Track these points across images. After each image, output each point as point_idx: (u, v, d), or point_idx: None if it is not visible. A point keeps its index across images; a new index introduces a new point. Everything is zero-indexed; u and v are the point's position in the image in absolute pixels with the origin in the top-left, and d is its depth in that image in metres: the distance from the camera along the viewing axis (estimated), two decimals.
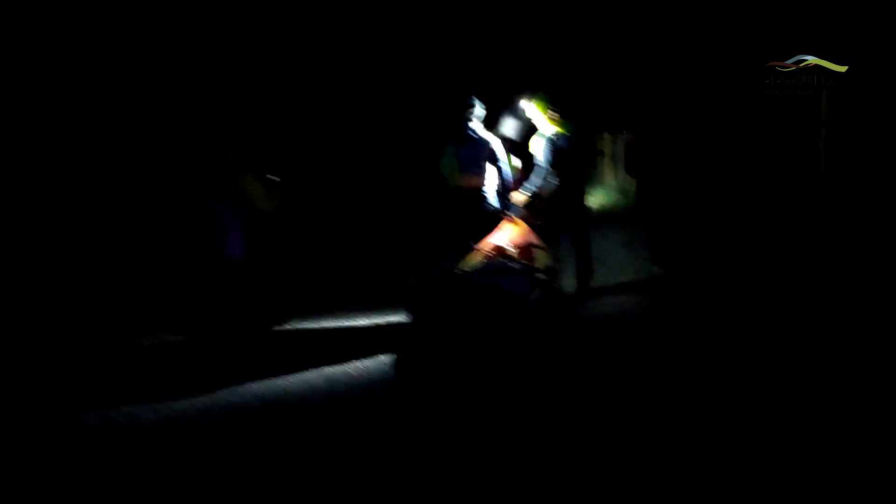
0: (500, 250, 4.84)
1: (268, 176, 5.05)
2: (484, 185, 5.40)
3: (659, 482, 2.85)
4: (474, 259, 4.78)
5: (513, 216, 5.50)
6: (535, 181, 5.52)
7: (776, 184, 6.71)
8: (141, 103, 8.06)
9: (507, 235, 5.18)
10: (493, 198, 5.49)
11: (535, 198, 5.66)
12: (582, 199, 5.77)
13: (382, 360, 4.38)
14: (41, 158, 7.15)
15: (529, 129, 5.93)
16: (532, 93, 5.71)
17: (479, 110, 5.37)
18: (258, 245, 5.07)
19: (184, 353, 4.90)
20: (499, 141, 5.47)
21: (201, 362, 4.68)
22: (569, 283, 5.75)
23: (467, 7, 10.71)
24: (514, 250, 4.86)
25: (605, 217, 9.41)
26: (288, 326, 5.40)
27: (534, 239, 5.20)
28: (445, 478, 2.94)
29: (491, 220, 5.44)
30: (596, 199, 6.13)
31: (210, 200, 4.88)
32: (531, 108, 5.64)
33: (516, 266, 4.51)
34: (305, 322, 5.52)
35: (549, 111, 5.55)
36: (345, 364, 4.45)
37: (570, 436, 3.29)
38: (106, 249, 6.81)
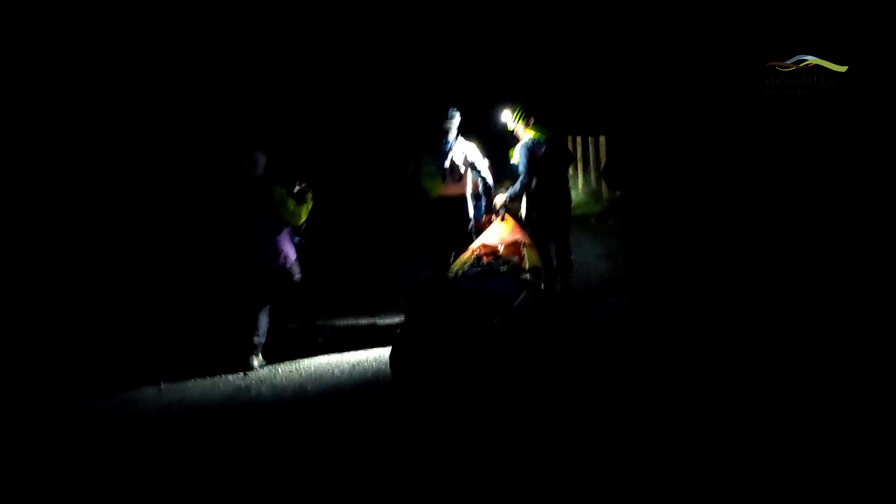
0: (489, 248, 4.84)
1: (296, 188, 5.09)
2: (465, 192, 5.40)
3: (652, 480, 2.86)
4: (465, 258, 4.82)
5: (502, 213, 5.49)
6: (515, 187, 5.51)
7: (768, 189, 6.56)
8: (181, 116, 8.30)
9: (497, 233, 5.14)
10: (473, 204, 5.49)
11: (513, 202, 5.68)
12: (564, 203, 5.73)
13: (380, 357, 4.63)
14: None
15: (506, 135, 5.88)
16: (510, 101, 5.70)
17: (456, 119, 5.36)
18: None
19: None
20: (476, 148, 5.46)
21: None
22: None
23: (443, 18, 10.68)
24: (503, 248, 4.85)
25: (576, 222, 9.21)
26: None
27: (522, 236, 5.17)
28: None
29: (473, 228, 5.47)
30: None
31: (246, 210, 4.88)
32: (509, 117, 5.63)
33: (504, 268, 4.50)
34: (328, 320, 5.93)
35: (527, 118, 5.53)
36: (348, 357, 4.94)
37: (555, 430, 3.37)
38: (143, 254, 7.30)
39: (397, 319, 5.74)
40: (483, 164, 5.44)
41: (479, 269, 4.53)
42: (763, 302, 5.04)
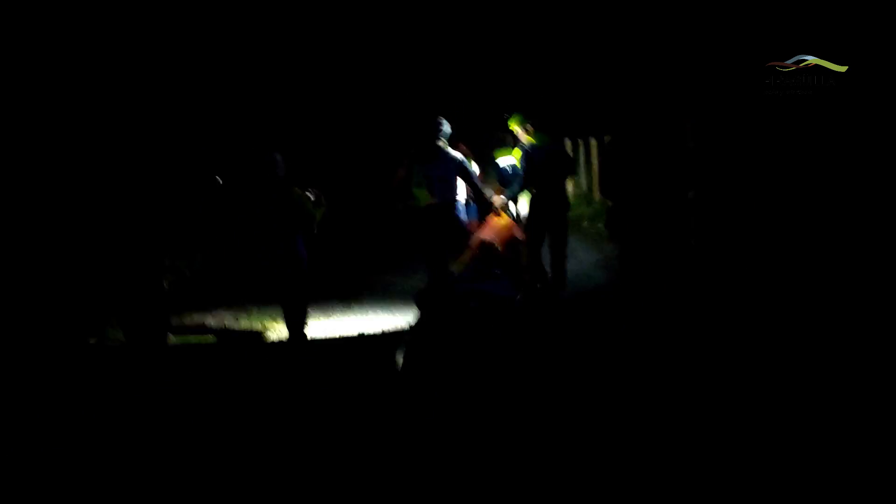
0: (487, 247, 4.94)
1: (308, 191, 5.16)
2: (455, 200, 5.43)
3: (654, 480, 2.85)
4: (465, 258, 4.93)
5: (498, 210, 5.54)
6: (513, 189, 5.59)
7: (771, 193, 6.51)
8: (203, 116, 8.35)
9: (493, 230, 5.19)
10: (463, 212, 5.53)
11: (510, 203, 5.75)
12: (561, 210, 5.73)
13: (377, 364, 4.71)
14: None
15: (504, 141, 5.95)
16: (510, 110, 5.79)
17: (445, 129, 5.41)
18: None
19: None
20: (464, 158, 5.51)
21: None
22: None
23: (435, 27, 10.72)
24: (499, 246, 4.95)
25: (569, 224, 9.10)
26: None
27: (518, 233, 5.21)
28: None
29: (464, 234, 5.48)
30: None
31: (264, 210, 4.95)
32: (510, 124, 5.73)
33: (500, 271, 4.67)
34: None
35: (526, 125, 5.62)
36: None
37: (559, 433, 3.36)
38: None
39: (394, 323, 5.74)
40: (473, 172, 5.49)
41: (476, 272, 4.57)
42: (762, 306, 5.01)
